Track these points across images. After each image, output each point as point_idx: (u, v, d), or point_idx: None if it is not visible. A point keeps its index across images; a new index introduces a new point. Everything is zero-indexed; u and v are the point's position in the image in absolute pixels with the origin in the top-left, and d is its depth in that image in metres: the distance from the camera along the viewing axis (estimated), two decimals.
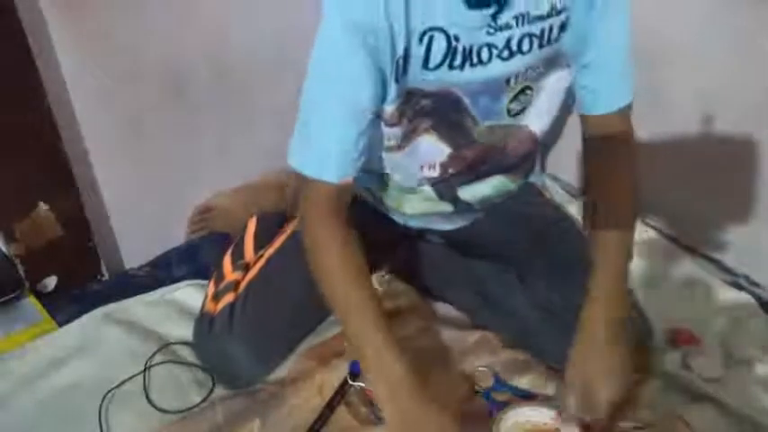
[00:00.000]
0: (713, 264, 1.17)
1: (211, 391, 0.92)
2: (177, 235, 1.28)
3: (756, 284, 1.12)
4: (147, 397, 0.91)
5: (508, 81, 0.85)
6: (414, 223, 1.09)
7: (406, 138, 0.88)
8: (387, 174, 0.97)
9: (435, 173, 0.94)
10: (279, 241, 1.03)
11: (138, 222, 1.22)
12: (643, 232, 1.22)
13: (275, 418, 0.86)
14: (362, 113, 0.79)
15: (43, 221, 1.08)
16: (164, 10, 1.12)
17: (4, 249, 1.08)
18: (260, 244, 1.06)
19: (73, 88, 1.07)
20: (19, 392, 0.91)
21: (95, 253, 1.17)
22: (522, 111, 0.91)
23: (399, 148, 0.90)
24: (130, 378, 0.93)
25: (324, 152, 0.81)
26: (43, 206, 1.08)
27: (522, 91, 0.88)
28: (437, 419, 0.77)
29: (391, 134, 0.88)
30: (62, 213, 1.10)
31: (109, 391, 0.90)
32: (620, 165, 0.92)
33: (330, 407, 0.88)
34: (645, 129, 1.18)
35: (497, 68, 0.82)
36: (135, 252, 1.25)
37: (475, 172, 0.96)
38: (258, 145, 1.33)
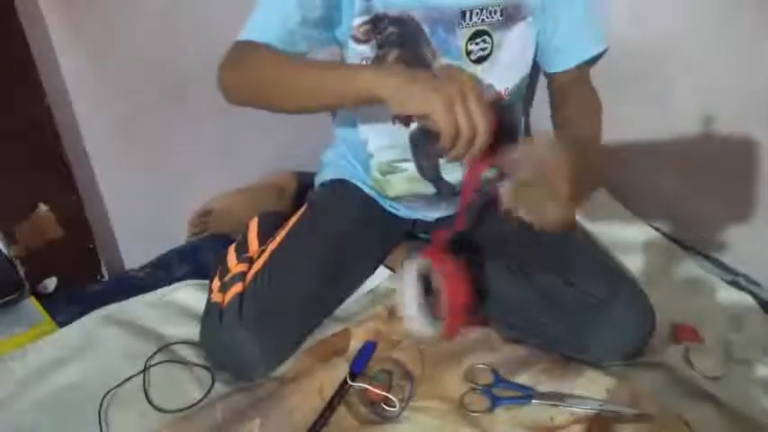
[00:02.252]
0: (713, 263, 1.17)
1: (210, 388, 0.92)
2: (177, 235, 1.28)
3: (756, 284, 1.12)
4: (147, 397, 0.91)
5: (464, 15, 0.92)
6: (403, 212, 1.11)
7: (376, 62, 0.95)
8: (371, 151, 1.03)
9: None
10: (282, 234, 1.03)
11: (138, 222, 1.22)
12: (643, 232, 1.22)
13: (275, 418, 0.86)
14: (311, 3, 0.87)
15: (43, 222, 1.08)
16: (163, 10, 1.12)
17: (4, 251, 1.08)
18: (263, 240, 1.06)
19: (73, 88, 1.07)
20: (19, 393, 0.91)
21: (95, 254, 1.17)
22: (483, 60, 0.96)
23: None
24: (130, 378, 0.93)
25: (267, 21, 0.89)
26: (43, 207, 1.07)
27: (480, 35, 0.94)
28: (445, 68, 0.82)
29: (362, 52, 0.95)
30: (62, 214, 1.10)
31: (109, 391, 0.90)
32: (587, 109, 0.99)
33: (330, 407, 0.88)
34: (645, 129, 1.19)
35: None
36: (135, 252, 1.25)
37: None
38: (258, 146, 1.33)
